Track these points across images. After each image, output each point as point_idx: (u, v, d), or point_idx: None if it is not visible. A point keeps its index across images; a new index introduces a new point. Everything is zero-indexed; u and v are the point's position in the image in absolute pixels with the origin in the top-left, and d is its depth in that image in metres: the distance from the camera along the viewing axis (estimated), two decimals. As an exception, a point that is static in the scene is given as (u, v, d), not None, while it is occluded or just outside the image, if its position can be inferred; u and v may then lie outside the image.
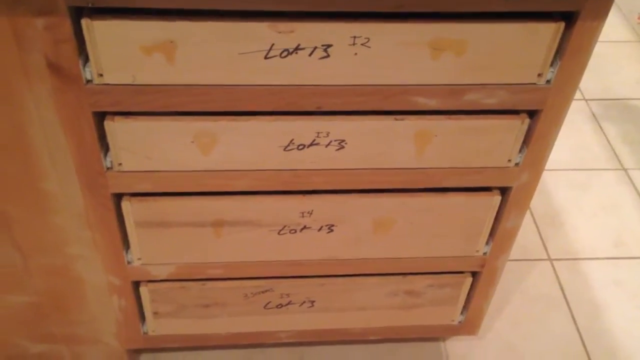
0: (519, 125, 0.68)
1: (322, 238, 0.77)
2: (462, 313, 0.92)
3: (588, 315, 1.08)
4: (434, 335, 0.98)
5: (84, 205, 0.70)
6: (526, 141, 0.70)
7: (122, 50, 0.58)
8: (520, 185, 0.74)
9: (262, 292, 0.83)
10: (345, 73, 0.61)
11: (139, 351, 0.97)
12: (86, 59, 0.59)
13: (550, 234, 1.22)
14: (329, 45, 0.59)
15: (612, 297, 1.11)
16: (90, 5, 0.55)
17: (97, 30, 0.56)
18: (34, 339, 0.87)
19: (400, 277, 0.84)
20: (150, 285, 0.80)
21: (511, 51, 0.62)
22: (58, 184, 0.68)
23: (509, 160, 0.71)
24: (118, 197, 0.71)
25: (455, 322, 0.92)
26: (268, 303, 0.85)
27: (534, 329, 1.06)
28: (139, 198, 0.71)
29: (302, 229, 0.76)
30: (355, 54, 0.60)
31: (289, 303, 0.85)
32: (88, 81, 0.60)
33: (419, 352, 1.01)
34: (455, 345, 1.03)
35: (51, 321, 0.85)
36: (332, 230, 0.76)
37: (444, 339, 1.03)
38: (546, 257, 1.18)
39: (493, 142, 0.69)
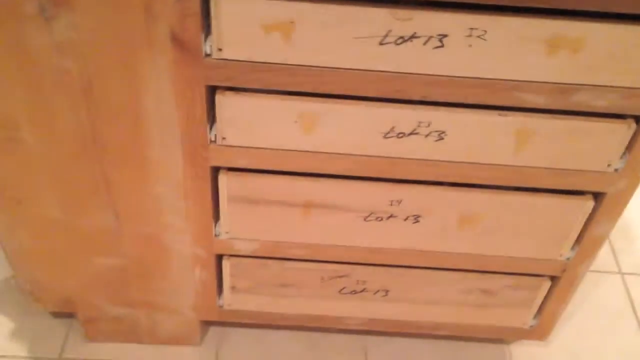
0: (625, 129, 0.66)
1: (406, 228, 0.77)
2: (534, 317, 0.91)
3: (659, 334, 1.05)
4: (503, 337, 0.97)
5: (183, 176, 0.73)
6: (629, 147, 0.69)
7: (243, 27, 0.60)
8: (616, 191, 0.72)
9: (339, 276, 0.84)
10: (456, 64, 0.62)
11: (209, 323, 1.00)
12: (207, 34, 0.61)
13: (622, 247, 1.19)
14: (445, 36, 0.60)
15: (685, 318, 1.08)
16: (219, -19, 0.57)
17: (223, 6, 0.58)
18: (114, 302, 0.91)
19: (478, 274, 0.84)
20: (233, 259, 0.83)
21: (628, 53, 0.61)
22: (162, 153, 0.71)
23: (609, 165, 0.70)
24: (215, 170, 0.73)
25: (527, 326, 0.92)
26: (343, 288, 0.86)
27: (601, 342, 1.04)
28: (236, 173, 0.73)
29: (388, 217, 0.76)
30: (470, 45, 0.60)
31: (363, 290, 0.86)
32: (207, 55, 0.62)
33: (482, 353, 1.00)
34: (520, 350, 1.01)
35: (133, 286, 0.88)
36: (417, 221, 0.77)
37: (508, 343, 1.02)
38: (617, 271, 1.16)
39: (595, 145, 0.68)
